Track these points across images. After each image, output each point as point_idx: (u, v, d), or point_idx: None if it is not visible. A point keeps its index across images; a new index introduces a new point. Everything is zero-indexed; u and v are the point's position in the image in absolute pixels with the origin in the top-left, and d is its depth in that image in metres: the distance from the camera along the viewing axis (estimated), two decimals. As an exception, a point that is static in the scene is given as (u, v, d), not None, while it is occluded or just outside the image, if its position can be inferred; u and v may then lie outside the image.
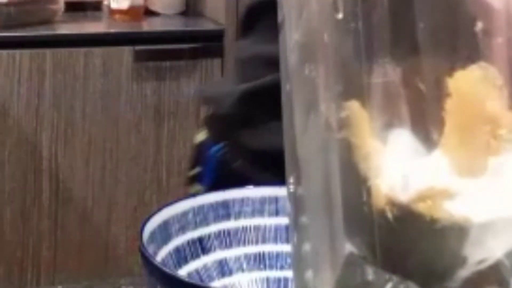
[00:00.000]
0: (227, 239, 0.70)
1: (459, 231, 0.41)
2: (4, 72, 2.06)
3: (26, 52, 2.07)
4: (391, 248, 0.42)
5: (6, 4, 2.12)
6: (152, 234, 0.65)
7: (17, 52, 2.07)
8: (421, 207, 0.41)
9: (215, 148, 1.02)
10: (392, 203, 0.41)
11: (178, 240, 0.68)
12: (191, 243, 0.68)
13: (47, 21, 2.20)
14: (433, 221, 0.41)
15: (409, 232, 0.42)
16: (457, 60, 0.43)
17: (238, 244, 0.70)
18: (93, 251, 2.15)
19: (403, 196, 0.41)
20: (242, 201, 0.70)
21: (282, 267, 0.70)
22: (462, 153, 0.42)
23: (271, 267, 0.70)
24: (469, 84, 0.43)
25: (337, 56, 0.44)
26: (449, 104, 0.42)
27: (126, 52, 2.14)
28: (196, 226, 0.69)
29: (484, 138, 0.42)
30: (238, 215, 0.70)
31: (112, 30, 2.24)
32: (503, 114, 0.42)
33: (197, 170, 1.04)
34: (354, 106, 0.43)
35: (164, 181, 2.20)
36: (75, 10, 2.34)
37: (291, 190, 0.46)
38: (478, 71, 0.43)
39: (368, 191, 0.42)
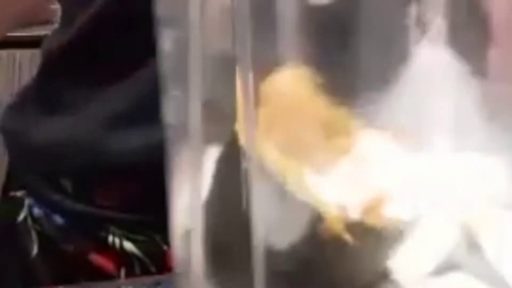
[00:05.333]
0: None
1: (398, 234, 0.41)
2: (4, 72, 2.07)
3: (26, 52, 2.08)
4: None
5: (6, 5, 2.14)
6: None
7: (17, 52, 2.08)
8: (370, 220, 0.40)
9: None
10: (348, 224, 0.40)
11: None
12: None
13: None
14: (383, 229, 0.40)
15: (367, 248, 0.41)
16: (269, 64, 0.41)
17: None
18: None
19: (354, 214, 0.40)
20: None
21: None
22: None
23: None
24: (287, 86, 0.40)
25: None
26: (268, 113, 0.40)
27: (124, 52, 2.16)
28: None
29: (317, 139, 0.40)
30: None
31: (111, 30, 2.26)
32: (331, 110, 0.40)
33: None
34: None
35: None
36: (74, 10, 2.36)
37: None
38: (293, 72, 0.41)
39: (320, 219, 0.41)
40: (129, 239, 0.90)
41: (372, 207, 0.40)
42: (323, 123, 0.40)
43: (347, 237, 0.40)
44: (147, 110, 0.88)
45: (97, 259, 0.91)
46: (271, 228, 0.40)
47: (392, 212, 0.40)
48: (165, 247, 0.90)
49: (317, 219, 0.40)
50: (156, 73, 0.86)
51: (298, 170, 0.40)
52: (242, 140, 0.40)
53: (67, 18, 0.98)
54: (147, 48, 0.87)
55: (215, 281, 0.41)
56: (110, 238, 0.91)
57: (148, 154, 0.84)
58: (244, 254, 0.40)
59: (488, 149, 0.41)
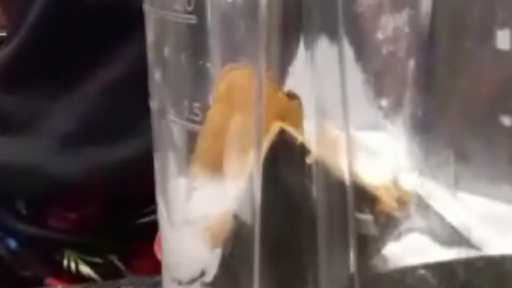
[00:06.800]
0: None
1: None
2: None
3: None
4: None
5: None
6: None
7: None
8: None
9: None
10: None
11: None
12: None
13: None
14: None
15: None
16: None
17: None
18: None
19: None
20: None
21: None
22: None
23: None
24: (241, 86, 0.41)
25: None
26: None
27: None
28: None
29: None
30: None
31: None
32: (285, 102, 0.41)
33: None
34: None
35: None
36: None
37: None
38: (243, 70, 0.41)
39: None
40: (85, 262, 0.89)
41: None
42: (279, 115, 0.40)
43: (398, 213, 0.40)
44: (98, 128, 0.86)
45: (54, 283, 0.89)
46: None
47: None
48: (122, 268, 0.89)
49: (373, 202, 0.40)
50: (105, 87, 0.84)
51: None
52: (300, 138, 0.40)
53: (10, 30, 0.93)
54: (92, 58, 0.85)
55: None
56: (65, 262, 0.89)
57: (100, 174, 0.82)
58: (304, 249, 0.40)
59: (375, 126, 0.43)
